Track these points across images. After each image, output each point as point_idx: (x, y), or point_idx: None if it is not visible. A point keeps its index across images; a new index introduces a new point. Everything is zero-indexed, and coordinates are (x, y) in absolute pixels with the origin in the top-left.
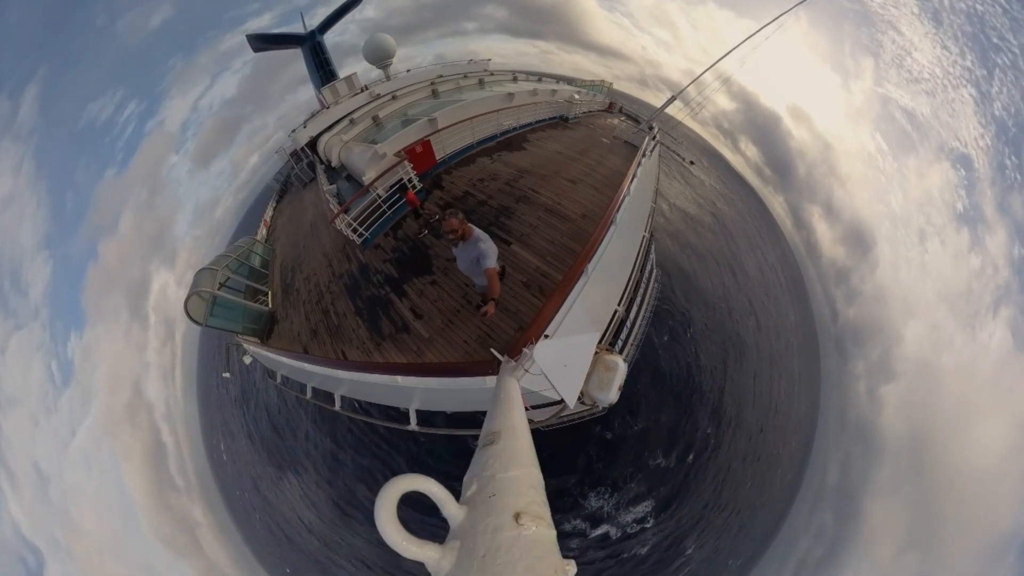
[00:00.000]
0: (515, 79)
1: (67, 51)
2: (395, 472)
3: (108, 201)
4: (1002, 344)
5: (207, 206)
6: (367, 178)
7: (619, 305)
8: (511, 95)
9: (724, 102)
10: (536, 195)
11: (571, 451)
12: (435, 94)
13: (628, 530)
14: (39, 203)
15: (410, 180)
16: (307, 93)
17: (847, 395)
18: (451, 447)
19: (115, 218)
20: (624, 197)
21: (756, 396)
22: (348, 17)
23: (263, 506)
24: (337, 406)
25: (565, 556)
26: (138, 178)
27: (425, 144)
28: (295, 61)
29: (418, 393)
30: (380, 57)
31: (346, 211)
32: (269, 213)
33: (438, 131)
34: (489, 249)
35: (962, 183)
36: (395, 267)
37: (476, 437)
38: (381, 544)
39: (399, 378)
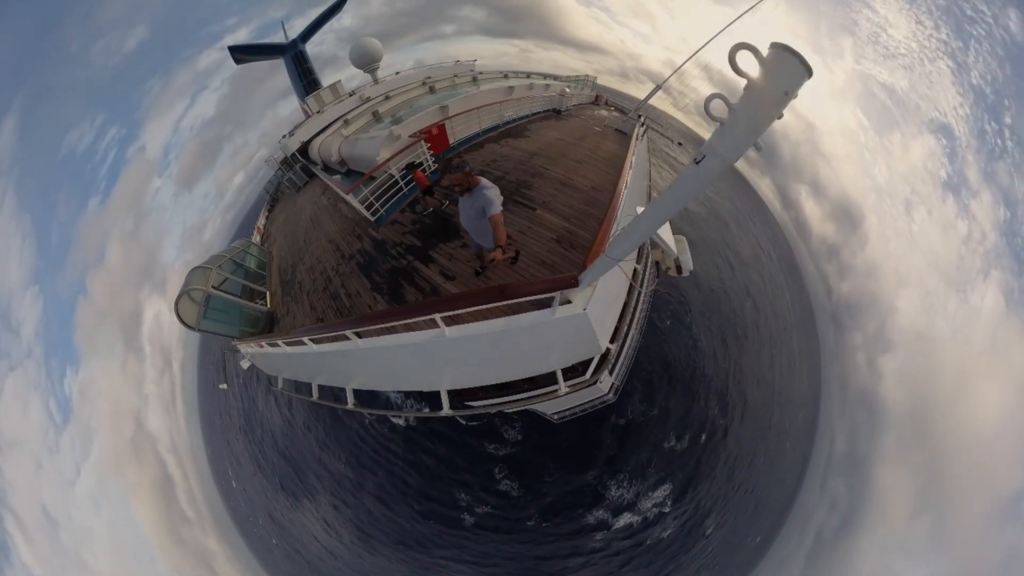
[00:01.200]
0: (506, 76)
1: (44, 78)
2: (412, 487)
3: (93, 233)
4: (994, 307)
5: (194, 229)
6: (381, 157)
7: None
8: (511, 88)
9: (705, 89)
10: (549, 171)
11: (588, 443)
12: (432, 91)
13: (649, 516)
14: (24, 238)
15: (425, 160)
16: (288, 108)
17: (847, 367)
18: (468, 453)
19: (101, 250)
20: (631, 168)
21: (760, 374)
22: (326, 27)
23: (279, 532)
24: (349, 403)
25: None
26: (122, 206)
27: (440, 127)
28: (272, 76)
29: (453, 358)
30: (367, 61)
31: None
32: (262, 221)
33: (450, 118)
34: (495, 196)
35: (944, 152)
36: (418, 237)
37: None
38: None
39: (446, 330)
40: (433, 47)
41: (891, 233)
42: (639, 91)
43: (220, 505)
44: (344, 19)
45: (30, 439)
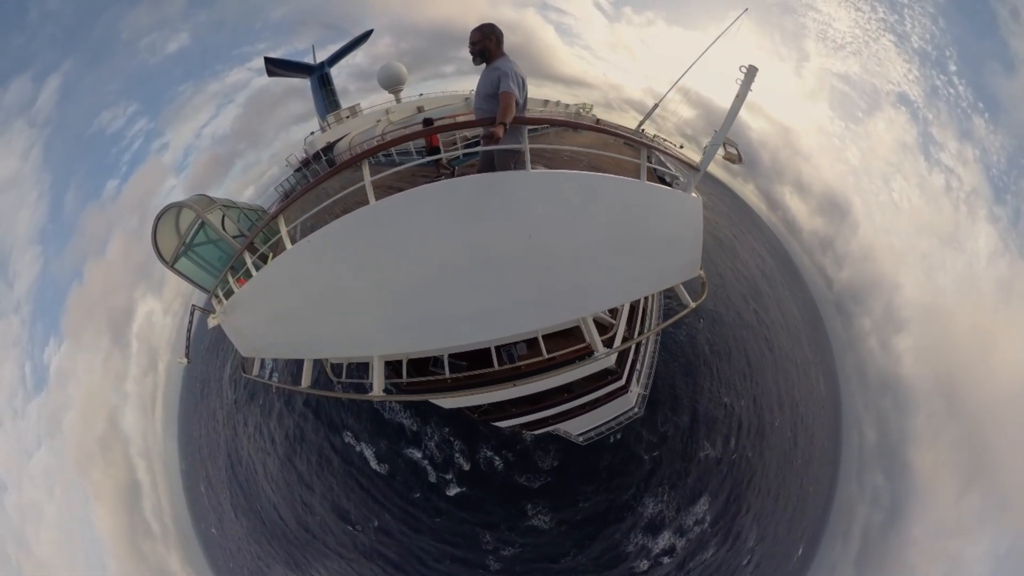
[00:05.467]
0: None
1: (92, 54)
2: (435, 541)
3: (99, 223)
4: (988, 244)
5: None
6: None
7: None
8: (546, 101)
9: (685, 111)
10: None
11: (623, 463)
12: (466, 99)
13: (690, 535)
14: (40, 195)
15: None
16: (300, 133)
17: (861, 354)
18: (498, 496)
19: (104, 242)
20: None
21: (776, 379)
22: (342, 63)
23: (257, 568)
24: (377, 389)
25: None
26: (134, 199)
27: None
28: (286, 100)
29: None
30: (394, 83)
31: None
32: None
33: None
34: (515, 70)
35: (905, 117)
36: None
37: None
38: None
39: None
40: (434, 85)
41: (875, 208)
42: (622, 119)
43: (188, 522)
44: (357, 56)
45: None
